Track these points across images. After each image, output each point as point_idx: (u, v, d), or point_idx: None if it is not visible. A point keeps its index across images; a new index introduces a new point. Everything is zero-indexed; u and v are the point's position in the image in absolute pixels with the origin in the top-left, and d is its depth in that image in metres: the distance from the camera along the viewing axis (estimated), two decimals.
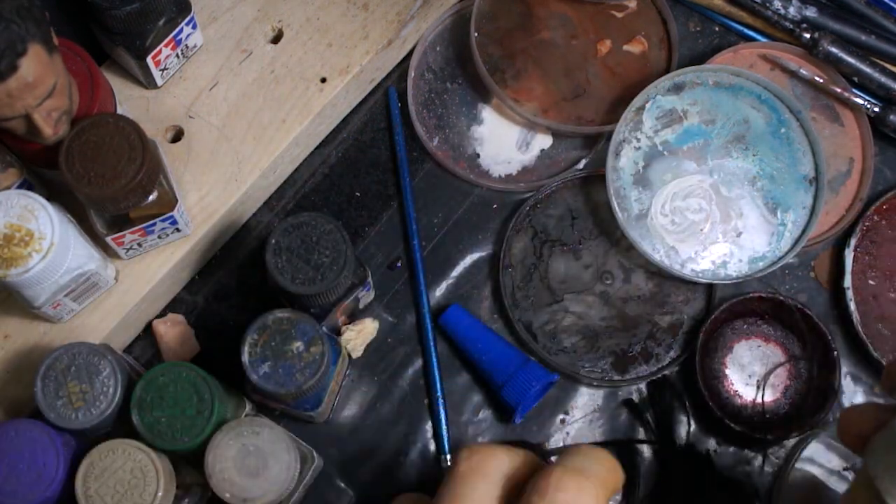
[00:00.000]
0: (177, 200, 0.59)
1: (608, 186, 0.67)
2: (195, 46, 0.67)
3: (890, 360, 0.31)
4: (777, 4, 0.71)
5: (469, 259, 0.70)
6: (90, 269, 0.58)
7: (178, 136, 0.66)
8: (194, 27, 0.64)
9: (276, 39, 0.68)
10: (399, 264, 0.69)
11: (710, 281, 0.67)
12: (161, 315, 0.67)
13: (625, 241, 0.68)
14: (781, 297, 0.66)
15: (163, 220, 0.59)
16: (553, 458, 0.60)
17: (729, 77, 0.69)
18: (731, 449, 0.66)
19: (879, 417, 0.39)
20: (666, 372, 0.67)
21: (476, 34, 0.71)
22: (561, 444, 0.66)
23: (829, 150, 0.70)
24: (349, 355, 0.66)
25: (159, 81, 0.66)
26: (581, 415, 0.67)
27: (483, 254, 0.70)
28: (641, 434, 0.66)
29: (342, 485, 0.65)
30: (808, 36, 0.69)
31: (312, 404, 0.60)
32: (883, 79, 0.70)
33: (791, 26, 0.70)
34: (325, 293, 0.57)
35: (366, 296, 0.65)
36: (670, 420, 0.65)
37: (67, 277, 0.56)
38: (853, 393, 0.68)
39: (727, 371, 0.67)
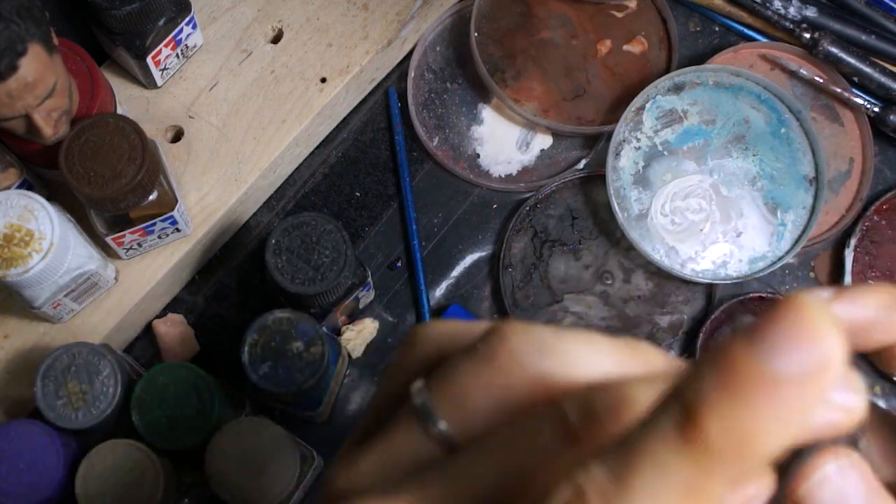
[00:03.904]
0: (177, 200, 0.59)
1: (608, 186, 0.67)
2: (195, 46, 0.67)
3: None
4: (777, 4, 0.71)
5: (469, 259, 0.70)
6: (90, 269, 0.58)
7: (178, 136, 0.66)
8: (194, 27, 0.64)
9: (276, 39, 0.68)
10: (399, 264, 0.69)
11: (710, 281, 0.67)
12: (161, 315, 0.67)
13: (625, 241, 0.68)
14: (781, 298, 0.66)
15: (163, 220, 0.59)
16: None
17: (729, 77, 0.69)
18: None
19: None
20: None
21: (476, 34, 0.71)
22: None
23: (829, 150, 0.70)
24: (349, 355, 0.66)
25: (159, 81, 0.66)
26: None
27: (483, 254, 0.70)
28: None
29: None
30: (808, 36, 0.69)
31: (312, 404, 0.60)
32: (883, 79, 0.70)
33: (791, 26, 0.70)
34: (325, 293, 0.57)
35: (366, 296, 0.65)
36: None
37: (67, 277, 0.56)
38: None
39: None
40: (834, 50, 0.69)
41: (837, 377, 0.19)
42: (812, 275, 0.70)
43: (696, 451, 0.19)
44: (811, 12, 0.71)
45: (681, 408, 0.20)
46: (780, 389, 0.19)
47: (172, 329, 0.66)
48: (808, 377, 0.19)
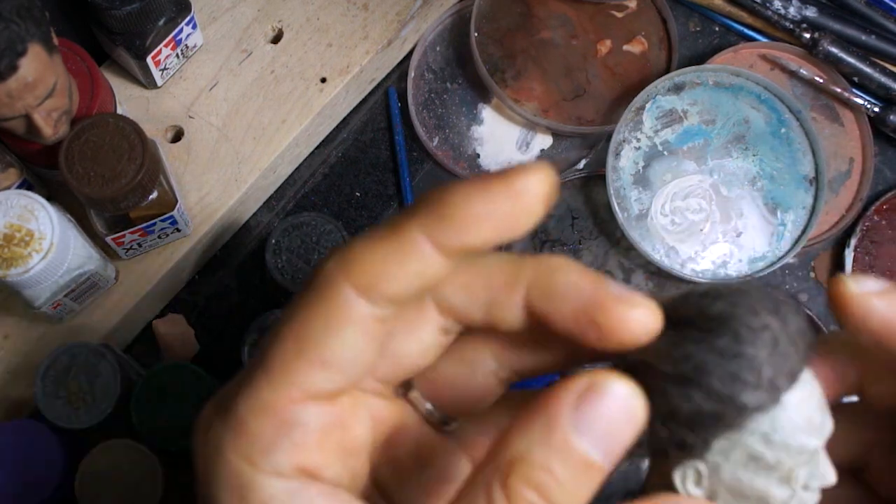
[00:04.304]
0: (177, 200, 0.59)
1: (608, 186, 0.67)
2: (195, 46, 0.67)
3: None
4: (777, 4, 0.71)
5: None
6: (90, 269, 0.58)
7: (178, 136, 0.66)
8: (194, 27, 0.64)
9: (276, 39, 0.68)
10: None
11: (711, 281, 0.67)
12: (161, 315, 0.67)
13: (625, 241, 0.68)
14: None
15: (163, 220, 0.59)
16: None
17: (729, 77, 0.69)
18: None
19: None
20: None
21: (476, 34, 0.71)
22: None
23: (829, 150, 0.70)
24: None
25: (159, 81, 0.66)
26: None
27: None
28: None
29: None
30: (808, 36, 0.69)
31: None
32: (883, 79, 0.70)
33: (791, 26, 0.70)
34: None
35: None
36: None
37: (67, 277, 0.56)
38: None
39: None
40: (834, 50, 0.69)
41: (525, 189, 0.25)
42: (812, 275, 0.70)
43: (409, 208, 0.26)
44: (811, 12, 0.71)
45: None
46: (478, 179, 0.25)
47: (172, 329, 0.66)
48: (501, 179, 0.25)
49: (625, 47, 0.72)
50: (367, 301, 0.25)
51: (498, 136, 0.71)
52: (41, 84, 0.52)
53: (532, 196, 0.25)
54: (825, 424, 0.27)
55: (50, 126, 0.55)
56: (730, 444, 0.26)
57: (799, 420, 0.26)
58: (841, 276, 0.28)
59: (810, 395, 0.26)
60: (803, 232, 0.67)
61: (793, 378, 0.26)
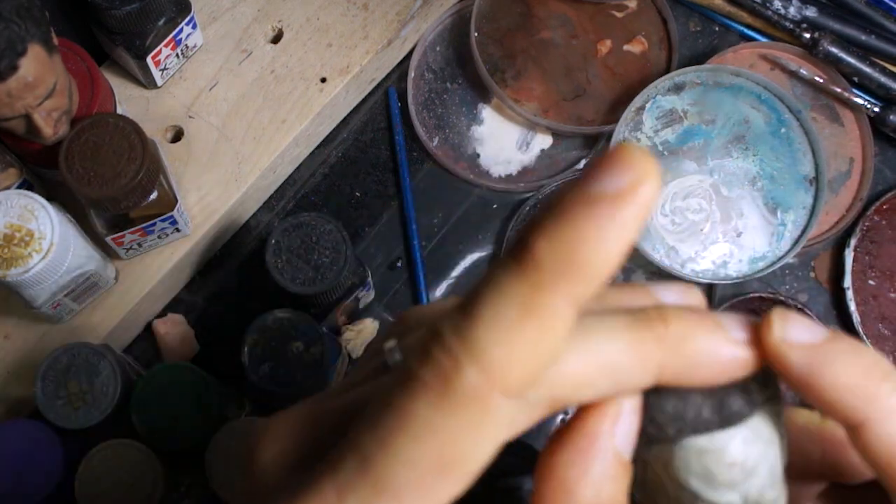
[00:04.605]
0: (177, 200, 0.59)
1: None
2: (195, 46, 0.66)
3: None
4: (777, 4, 0.71)
5: (469, 259, 0.70)
6: (90, 269, 0.58)
7: (178, 136, 0.66)
8: (194, 27, 0.64)
9: (276, 39, 0.68)
10: (399, 264, 0.69)
11: (710, 281, 0.67)
12: (161, 315, 0.67)
13: None
14: (782, 297, 0.66)
15: (163, 220, 0.59)
16: None
17: (729, 77, 0.69)
18: None
19: None
20: None
21: (476, 34, 0.71)
22: None
23: (830, 150, 0.70)
24: (349, 355, 0.66)
25: (159, 81, 0.66)
26: None
27: (483, 254, 0.70)
28: None
29: None
30: (808, 36, 0.69)
31: None
32: (883, 79, 0.70)
33: (791, 26, 0.70)
34: (325, 293, 0.57)
35: (366, 296, 0.65)
36: None
37: (67, 277, 0.56)
38: None
39: None
40: (834, 50, 0.69)
41: (649, 197, 0.21)
42: (812, 275, 0.70)
43: (527, 269, 0.21)
44: (811, 12, 0.71)
45: (518, 240, 0.22)
46: (595, 206, 0.21)
47: (172, 329, 0.66)
48: (621, 195, 0.21)
49: (625, 47, 0.72)
50: (515, 402, 0.23)
51: (498, 136, 0.71)
52: (41, 84, 0.52)
53: (655, 196, 0.22)
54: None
55: (50, 126, 0.55)
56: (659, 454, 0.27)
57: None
58: (773, 314, 0.26)
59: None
60: (803, 232, 0.67)
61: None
